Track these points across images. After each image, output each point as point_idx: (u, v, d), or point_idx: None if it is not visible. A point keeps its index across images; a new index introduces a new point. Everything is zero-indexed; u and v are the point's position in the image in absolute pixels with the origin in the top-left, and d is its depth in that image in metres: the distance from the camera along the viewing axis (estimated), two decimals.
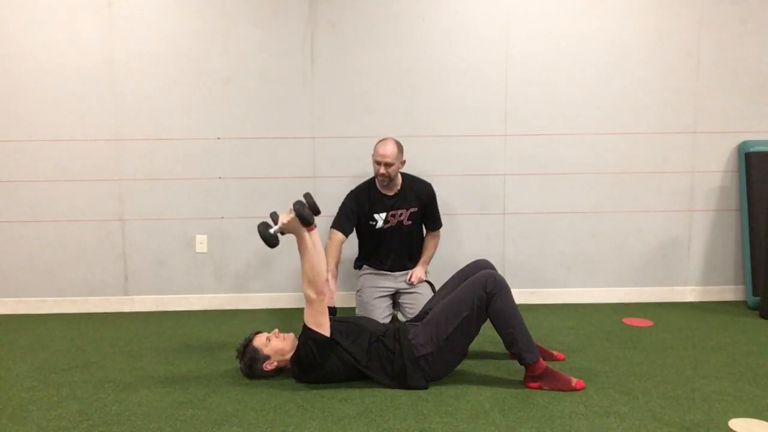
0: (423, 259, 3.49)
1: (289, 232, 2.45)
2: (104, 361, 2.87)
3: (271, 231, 2.41)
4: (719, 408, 2.25)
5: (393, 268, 3.42)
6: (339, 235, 3.31)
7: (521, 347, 2.41)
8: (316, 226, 2.65)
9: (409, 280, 3.38)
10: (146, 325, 3.51)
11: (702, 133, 3.84)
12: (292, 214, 2.40)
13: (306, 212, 2.42)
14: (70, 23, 3.67)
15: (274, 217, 2.52)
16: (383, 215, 3.36)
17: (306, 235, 2.44)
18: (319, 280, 2.42)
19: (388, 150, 3.22)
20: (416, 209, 3.40)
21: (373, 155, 3.29)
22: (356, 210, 3.36)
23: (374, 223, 3.37)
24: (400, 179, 3.41)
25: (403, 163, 3.35)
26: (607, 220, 3.89)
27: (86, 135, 3.74)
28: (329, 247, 3.23)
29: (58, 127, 3.72)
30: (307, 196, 2.55)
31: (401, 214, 3.38)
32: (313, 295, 2.41)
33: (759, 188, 3.73)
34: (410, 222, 3.40)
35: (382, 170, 3.23)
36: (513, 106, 3.80)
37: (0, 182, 3.75)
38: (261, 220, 2.51)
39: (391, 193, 3.38)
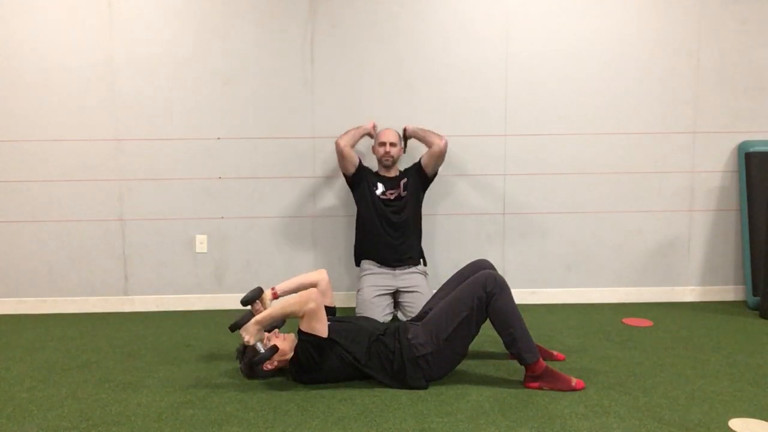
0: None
1: (261, 335, 2.51)
2: (104, 361, 2.87)
3: (261, 350, 2.48)
4: (719, 408, 2.25)
5: (392, 262, 3.43)
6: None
7: (521, 347, 2.41)
8: (274, 289, 2.80)
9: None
10: (146, 325, 3.51)
11: (702, 133, 3.84)
12: (242, 333, 2.49)
13: (237, 320, 2.55)
14: (70, 23, 3.67)
15: (241, 349, 2.59)
16: (382, 187, 3.52)
17: (261, 317, 2.48)
18: (303, 305, 2.40)
19: (391, 132, 3.54)
20: (406, 179, 3.53)
21: (375, 141, 3.58)
22: (364, 168, 3.54)
23: (375, 188, 3.49)
24: (398, 170, 3.62)
25: (402, 150, 3.60)
26: (607, 220, 3.88)
27: (86, 135, 3.74)
28: (345, 135, 3.50)
29: (58, 127, 3.72)
30: (241, 301, 2.71)
31: (398, 189, 3.52)
32: (303, 312, 2.41)
33: (759, 188, 3.73)
34: (406, 192, 3.51)
35: (387, 149, 3.47)
36: (513, 106, 3.80)
37: (0, 182, 3.75)
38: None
39: (390, 176, 3.55)
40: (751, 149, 3.76)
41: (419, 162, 3.55)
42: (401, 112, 3.78)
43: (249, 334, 2.47)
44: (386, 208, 3.46)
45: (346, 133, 3.52)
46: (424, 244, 3.65)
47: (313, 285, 2.78)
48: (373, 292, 3.37)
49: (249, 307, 2.73)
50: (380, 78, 3.77)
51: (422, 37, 3.76)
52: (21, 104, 3.70)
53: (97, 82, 3.71)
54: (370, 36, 3.75)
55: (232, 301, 3.84)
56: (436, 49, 3.77)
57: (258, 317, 2.49)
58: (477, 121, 3.81)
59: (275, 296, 2.77)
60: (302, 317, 2.42)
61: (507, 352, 2.50)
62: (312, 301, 2.39)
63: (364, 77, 3.77)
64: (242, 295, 2.71)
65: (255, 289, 2.74)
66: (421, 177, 3.55)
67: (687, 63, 3.79)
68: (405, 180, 3.52)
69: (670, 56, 3.79)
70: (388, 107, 3.78)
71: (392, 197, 3.48)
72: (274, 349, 2.46)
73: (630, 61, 3.78)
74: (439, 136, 3.48)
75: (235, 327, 2.56)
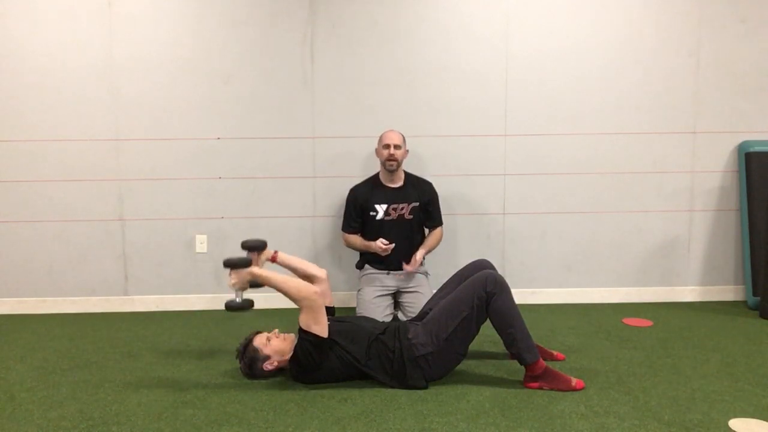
0: (424, 244, 3.48)
1: (246, 286, 2.50)
2: (104, 361, 2.87)
3: (237, 300, 2.46)
4: (719, 408, 2.25)
5: (395, 266, 3.42)
6: (353, 235, 3.49)
7: (521, 347, 2.41)
8: (276, 253, 2.76)
9: (408, 264, 3.35)
10: (146, 325, 3.51)
11: (702, 133, 3.84)
12: (229, 271, 2.49)
13: (234, 259, 2.52)
14: (70, 23, 3.67)
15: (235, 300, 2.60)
16: (384, 206, 3.42)
17: (260, 272, 2.48)
18: (305, 290, 2.41)
19: (395, 134, 3.41)
20: (417, 204, 3.45)
21: (379, 143, 3.43)
22: (358, 203, 3.45)
23: (374, 213, 3.42)
24: (403, 174, 3.51)
25: (406, 152, 3.47)
26: (607, 220, 3.88)
27: (86, 135, 3.74)
28: (355, 240, 3.48)
29: (58, 127, 3.72)
30: (243, 243, 2.67)
31: (402, 208, 3.43)
32: (306, 303, 2.41)
33: (759, 188, 3.73)
34: (411, 216, 3.44)
35: (392, 151, 3.35)
36: (513, 106, 3.80)
37: (0, 182, 3.75)
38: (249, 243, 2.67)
39: (394, 186, 3.46)
40: (751, 149, 3.76)
41: (426, 209, 3.49)
42: (401, 112, 3.78)
43: (238, 277, 2.48)
44: (388, 228, 3.40)
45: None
46: None
47: (311, 276, 2.77)
48: (374, 292, 3.36)
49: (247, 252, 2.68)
50: (380, 78, 3.77)
51: (422, 37, 3.76)
52: (21, 104, 3.70)
53: (97, 81, 3.71)
54: (370, 36, 3.75)
55: None
56: (436, 49, 3.77)
57: (257, 271, 2.47)
58: (477, 121, 3.81)
59: (273, 260, 2.76)
60: (301, 311, 2.42)
61: (507, 352, 2.51)
62: (310, 300, 2.39)
63: (363, 77, 3.77)
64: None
65: (260, 240, 2.70)
66: (424, 211, 3.51)
67: (687, 63, 3.79)
68: (415, 205, 3.43)
69: (670, 56, 3.79)
70: (388, 107, 3.78)
71: (394, 216, 3.41)
72: (249, 302, 2.47)
73: (630, 61, 3.78)
74: (438, 237, 3.56)
75: (229, 264, 2.51)
